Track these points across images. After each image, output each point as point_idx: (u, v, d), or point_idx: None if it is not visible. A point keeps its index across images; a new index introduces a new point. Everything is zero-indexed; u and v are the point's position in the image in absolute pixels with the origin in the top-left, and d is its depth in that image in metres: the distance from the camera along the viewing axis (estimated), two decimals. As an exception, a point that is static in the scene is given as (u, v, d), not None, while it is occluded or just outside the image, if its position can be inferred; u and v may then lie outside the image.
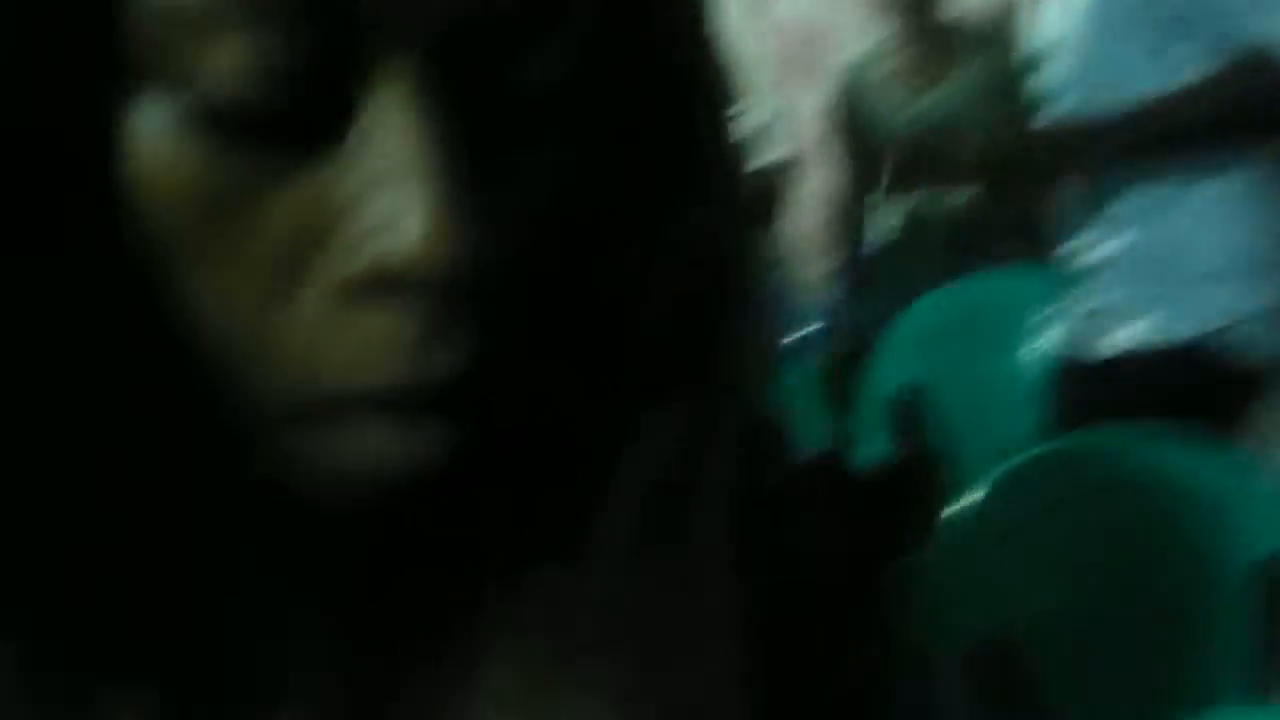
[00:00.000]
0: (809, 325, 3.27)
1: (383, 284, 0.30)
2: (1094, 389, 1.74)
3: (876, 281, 2.86)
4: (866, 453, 2.26)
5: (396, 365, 0.31)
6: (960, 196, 2.58)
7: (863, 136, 2.86)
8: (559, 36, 0.31)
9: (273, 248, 0.31)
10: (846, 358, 2.66)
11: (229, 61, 0.29)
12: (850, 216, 3.05)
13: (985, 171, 2.38)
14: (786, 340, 3.15)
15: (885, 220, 2.87)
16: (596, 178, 0.34)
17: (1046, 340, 1.89)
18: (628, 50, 0.34)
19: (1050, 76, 1.79)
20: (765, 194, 3.37)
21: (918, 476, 2.09)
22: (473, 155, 0.30)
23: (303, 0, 0.29)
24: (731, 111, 0.38)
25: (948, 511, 1.50)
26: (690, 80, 0.36)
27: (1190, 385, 1.64)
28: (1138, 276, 1.70)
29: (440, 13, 0.29)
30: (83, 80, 0.30)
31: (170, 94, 0.30)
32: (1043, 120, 1.80)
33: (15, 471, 0.32)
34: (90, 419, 0.32)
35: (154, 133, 0.31)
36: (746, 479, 0.40)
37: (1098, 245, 1.76)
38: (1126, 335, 1.72)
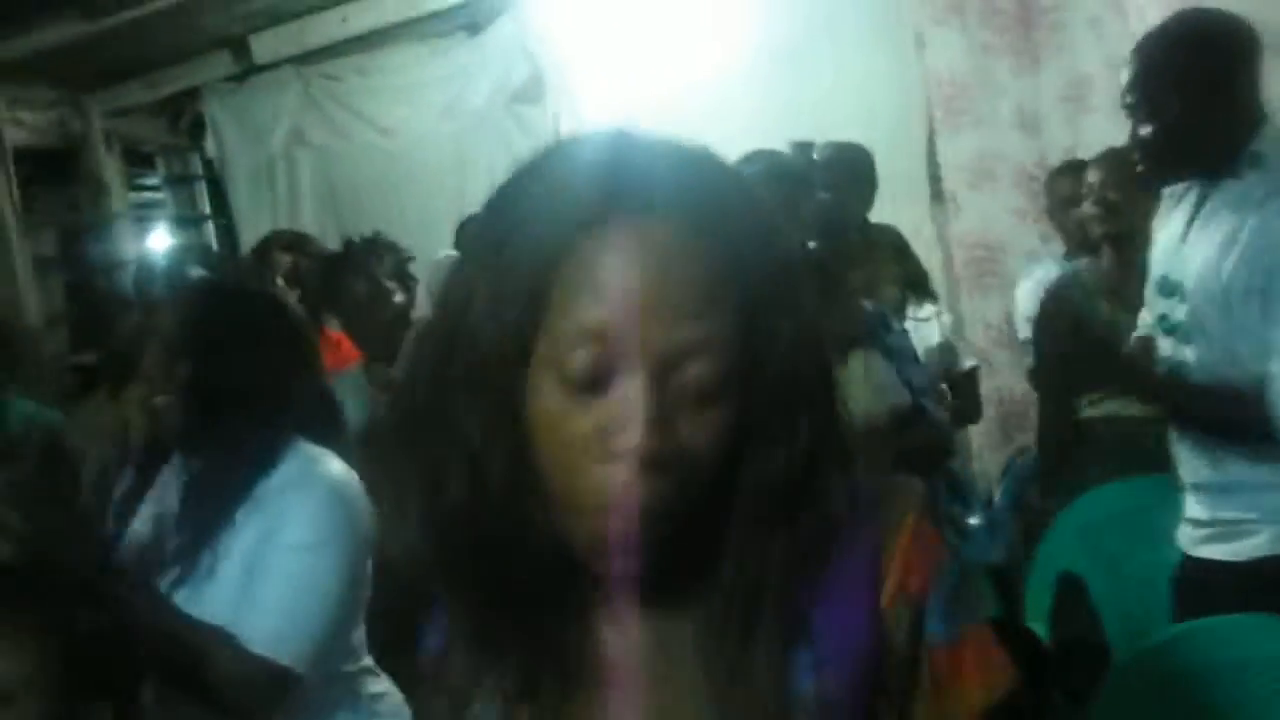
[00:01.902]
0: (988, 511, 3.56)
1: (618, 456, 0.73)
2: (1209, 587, 2.06)
3: (1055, 474, 3.14)
4: (1033, 627, 2.54)
5: (620, 491, 0.73)
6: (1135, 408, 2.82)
7: (1062, 342, 3.09)
8: (719, 362, 0.74)
9: (583, 440, 0.74)
10: (1019, 544, 2.95)
11: (572, 361, 0.73)
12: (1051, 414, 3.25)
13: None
14: (972, 522, 3.44)
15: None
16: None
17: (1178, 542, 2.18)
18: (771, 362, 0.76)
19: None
20: (954, 389, 3.70)
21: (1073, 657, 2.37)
22: (669, 407, 0.73)
23: (600, 344, 0.73)
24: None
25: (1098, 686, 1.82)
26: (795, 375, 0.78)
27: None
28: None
29: (658, 346, 0.72)
30: (517, 359, 0.75)
31: (550, 372, 0.74)
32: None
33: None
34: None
35: (544, 389, 0.75)
36: None
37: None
38: (1245, 545, 2.03)
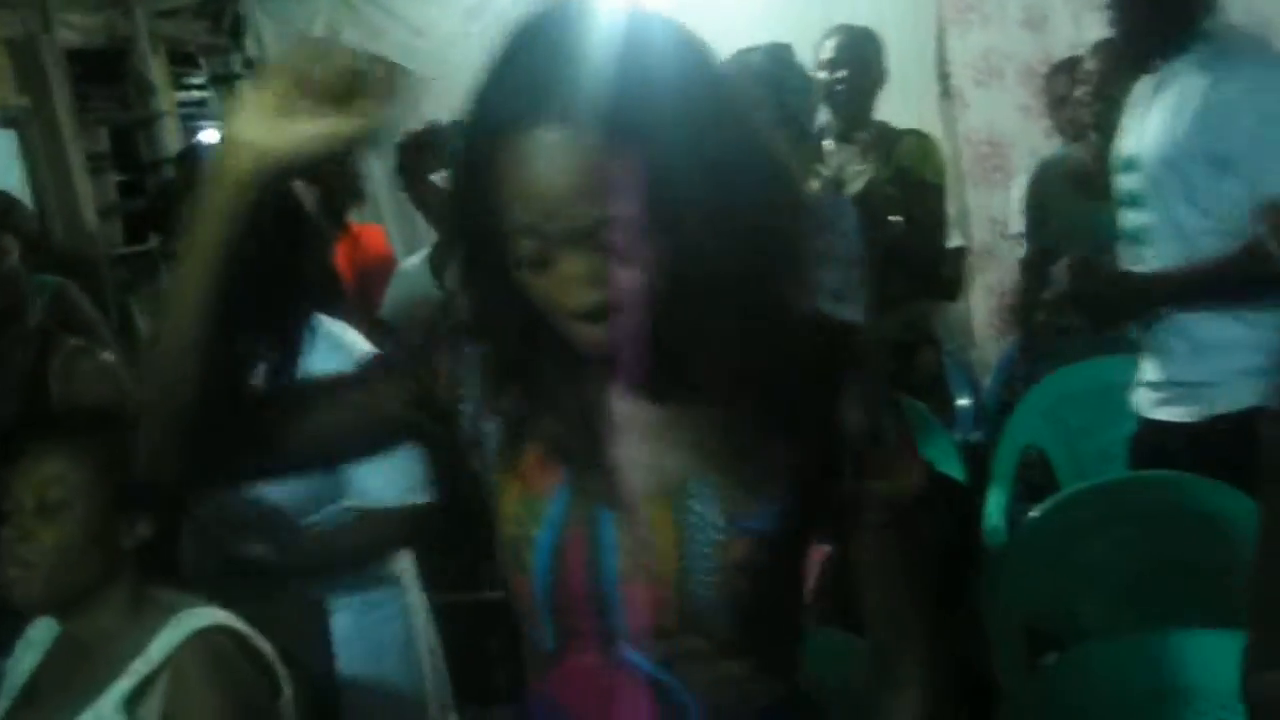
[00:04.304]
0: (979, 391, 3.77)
1: (568, 313, 0.97)
2: (1156, 447, 2.26)
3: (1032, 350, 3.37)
4: (997, 494, 2.77)
5: (583, 336, 0.98)
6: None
7: (1044, 229, 3.29)
8: (633, 232, 0.95)
9: (548, 299, 0.97)
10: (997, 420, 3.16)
11: (520, 246, 0.95)
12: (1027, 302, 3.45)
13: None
14: (961, 403, 3.66)
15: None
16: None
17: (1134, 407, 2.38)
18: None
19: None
20: (947, 278, 3.88)
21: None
22: (597, 269, 0.95)
23: (534, 233, 0.95)
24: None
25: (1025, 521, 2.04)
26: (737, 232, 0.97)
27: (1226, 451, 2.09)
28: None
29: (572, 227, 0.93)
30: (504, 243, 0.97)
31: (513, 251, 0.96)
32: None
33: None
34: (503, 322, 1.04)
35: (517, 263, 0.97)
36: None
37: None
38: (1201, 406, 2.21)
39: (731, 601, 1.04)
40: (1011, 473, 2.81)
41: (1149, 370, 2.32)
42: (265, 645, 1.58)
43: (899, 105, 4.16)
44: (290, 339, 1.90)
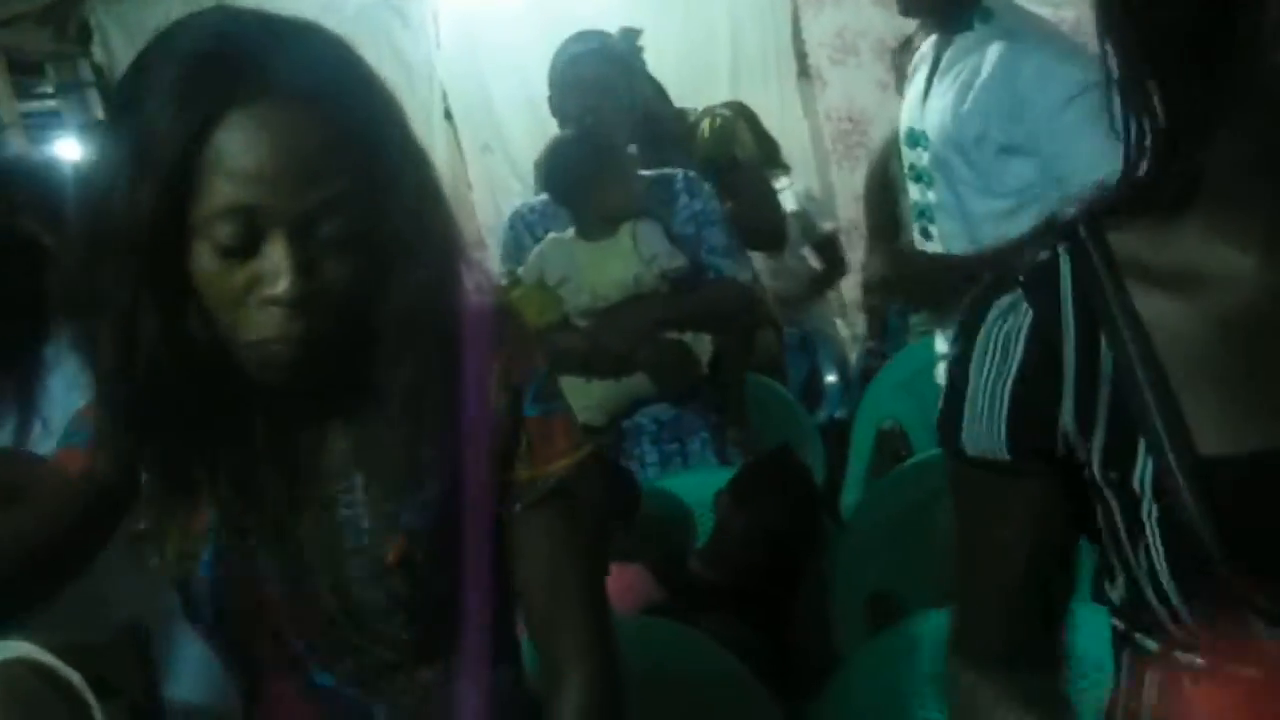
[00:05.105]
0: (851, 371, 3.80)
1: (271, 302, 0.91)
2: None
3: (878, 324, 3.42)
4: (855, 469, 2.78)
5: (277, 330, 0.91)
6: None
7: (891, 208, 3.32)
8: (347, 216, 0.91)
9: (239, 292, 0.91)
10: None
11: (221, 231, 0.90)
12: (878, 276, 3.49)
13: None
14: (829, 380, 3.69)
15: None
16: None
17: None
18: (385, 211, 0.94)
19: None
20: (818, 252, 3.90)
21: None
22: (309, 257, 0.91)
23: (244, 215, 0.90)
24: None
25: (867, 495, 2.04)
26: (418, 217, 0.96)
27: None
28: None
29: (292, 210, 0.90)
30: (170, 230, 0.90)
31: (205, 241, 0.90)
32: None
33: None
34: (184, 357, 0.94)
35: (203, 254, 0.91)
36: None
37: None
38: None
39: (398, 603, 1.01)
40: (869, 447, 2.82)
41: (942, 343, 2.34)
42: (74, 675, 1.51)
43: (760, 87, 4.20)
44: (32, 368, 1.85)
